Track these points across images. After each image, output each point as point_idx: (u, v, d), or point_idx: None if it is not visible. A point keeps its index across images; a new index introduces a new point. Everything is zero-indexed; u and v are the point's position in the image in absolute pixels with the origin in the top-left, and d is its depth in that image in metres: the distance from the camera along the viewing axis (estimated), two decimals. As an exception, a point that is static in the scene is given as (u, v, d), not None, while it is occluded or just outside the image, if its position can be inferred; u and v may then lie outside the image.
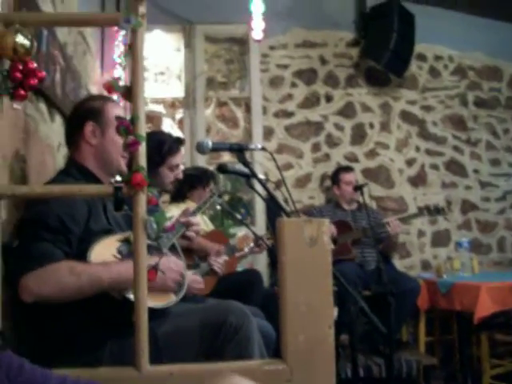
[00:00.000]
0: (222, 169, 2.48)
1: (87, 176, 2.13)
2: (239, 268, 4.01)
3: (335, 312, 2.16)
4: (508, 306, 4.00)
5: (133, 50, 1.51)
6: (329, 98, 5.60)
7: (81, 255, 1.85)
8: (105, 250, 1.90)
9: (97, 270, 1.82)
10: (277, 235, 1.55)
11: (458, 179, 5.76)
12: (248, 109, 5.44)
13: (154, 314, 1.63)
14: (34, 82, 1.63)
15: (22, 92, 1.61)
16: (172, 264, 2.04)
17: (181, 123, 5.40)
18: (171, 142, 3.12)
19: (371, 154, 5.63)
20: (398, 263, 5.33)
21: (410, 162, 5.69)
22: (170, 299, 2.05)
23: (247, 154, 2.39)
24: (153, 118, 5.35)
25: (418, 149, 5.72)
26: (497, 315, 4.00)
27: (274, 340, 2.40)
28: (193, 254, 3.38)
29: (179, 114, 5.45)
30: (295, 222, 1.58)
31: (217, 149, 2.48)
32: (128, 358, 1.51)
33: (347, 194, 4.90)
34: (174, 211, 3.57)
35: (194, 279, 3.16)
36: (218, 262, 3.44)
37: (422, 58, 5.81)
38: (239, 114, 5.52)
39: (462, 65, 5.91)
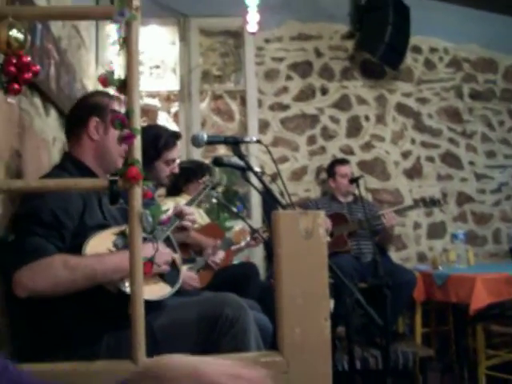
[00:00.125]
0: (218, 162, 2.47)
1: (83, 171, 2.12)
2: (235, 261, 4.01)
3: (331, 304, 2.16)
4: (503, 297, 4.02)
5: (127, 44, 1.51)
6: (324, 91, 5.60)
7: (75, 249, 1.85)
8: (100, 243, 1.90)
9: (91, 263, 1.82)
10: (272, 228, 1.56)
11: (453, 171, 5.77)
12: (243, 102, 5.44)
13: (150, 306, 1.64)
14: (28, 76, 1.62)
15: (16, 86, 1.60)
16: (160, 248, 2.03)
17: (176, 116, 5.40)
18: (167, 136, 3.11)
19: (367, 146, 5.63)
20: (394, 255, 5.35)
21: (405, 155, 5.70)
22: (166, 291, 2.06)
23: (243, 147, 2.39)
24: (148, 111, 5.35)
25: (413, 141, 5.72)
26: (492, 306, 4.02)
27: (271, 333, 2.41)
28: (189, 249, 3.38)
29: (174, 108, 5.45)
30: (290, 214, 1.58)
31: (212, 142, 2.47)
32: (125, 352, 1.51)
33: (343, 186, 4.91)
34: (169, 205, 3.57)
35: (189, 276, 3.17)
36: (215, 261, 3.45)
37: (417, 50, 5.81)
38: (234, 107, 5.52)
39: (457, 57, 5.91)
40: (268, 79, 5.50)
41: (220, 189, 3.69)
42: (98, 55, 4.01)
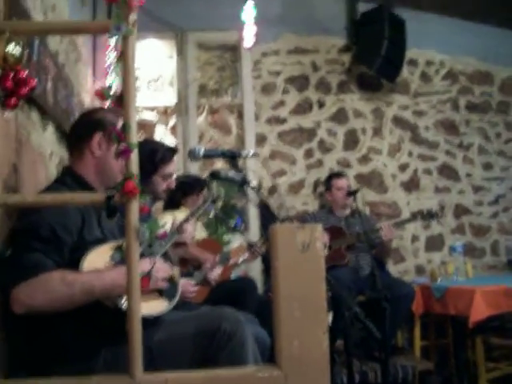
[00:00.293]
0: (215, 176, 2.47)
1: (82, 186, 2.11)
2: (233, 275, 4.01)
3: (330, 318, 2.15)
4: (502, 310, 4.01)
5: (124, 58, 1.51)
6: (321, 104, 5.62)
7: (74, 264, 1.84)
8: (98, 258, 1.90)
9: (89, 279, 1.81)
10: (269, 241, 1.55)
11: (450, 183, 5.78)
12: (240, 115, 5.45)
13: (147, 322, 1.63)
14: (25, 90, 1.62)
15: (13, 101, 1.60)
16: (158, 264, 2.03)
17: (173, 130, 5.40)
18: (164, 150, 3.11)
19: (364, 159, 5.64)
20: (393, 268, 5.34)
21: (402, 167, 5.71)
22: (164, 307, 2.05)
23: (240, 161, 2.40)
24: (145, 125, 5.35)
25: (410, 154, 5.73)
26: (491, 319, 4.01)
27: (269, 346, 2.40)
28: (187, 264, 3.38)
29: (172, 122, 5.45)
30: (288, 228, 1.58)
31: (209, 155, 2.48)
32: (122, 367, 1.50)
33: (339, 199, 4.90)
34: (167, 218, 3.57)
35: (186, 283, 3.17)
36: (213, 276, 3.45)
37: (413, 63, 5.84)
38: (232, 120, 5.53)
39: (453, 70, 5.94)
40: (265, 93, 5.52)
41: (219, 203, 3.70)
42: (95, 69, 4.02)
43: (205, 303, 3.21)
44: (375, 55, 5.22)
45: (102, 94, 1.56)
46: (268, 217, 2.38)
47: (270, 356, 2.21)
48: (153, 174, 3.02)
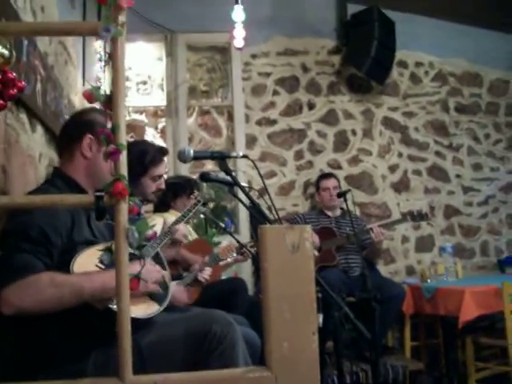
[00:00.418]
0: (205, 177, 2.47)
1: (72, 187, 2.11)
2: (224, 276, 4.00)
3: (320, 319, 2.15)
4: (492, 310, 4.03)
5: (113, 59, 1.51)
6: (311, 106, 5.63)
7: (63, 266, 1.83)
8: (87, 260, 1.89)
9: (78, 280, 1.80)
10: (259, 242, 1.55)
11: (440, 184, 5.80)
12: (230, 117, 5.45)
13: (137, 324, 1.62)
14: (13, 92, 1.61)
15: (2, 102, 1.60)
16: (149, 266, 2.02)
17: (163, 132, 5.39)
18: (154, 152, 3.10)
19: (354, 160, 5.65)
20: (383, 269, 5.35)
21: (392, 168, 5.72)
22: (154, 309, 2.05)
23: (230, 163, 2.40)
24: (135, 127, 5.34)
25: (400, 155, 5.75)
26: (481, 319, 4.03)
27: (259, 348, 2.40)
28: (177, 266, 3.37)
29: (161, 123, 5.45)
30: (277, 228, 1.58)
31: (198, 157, 2.48)
32: (112, 369, 1.50)
33: (326, 200, 4.92)
34: (157, 220, 3.57)
35: (180, 291, 3.16)
36: (204, 277, 3.44)
37: (403, 64, 5.86)
38: (222, 122, 5.53)
39: (442, 71, 5.97)
40: (255, 94, 5.52)
41: (209, 204, 3.68)
42: (84, 71, 4.01)
43: (195, 304, 3.20)
44: (365, 57, 5.24)
45: (91, 95, 1.55)
46: (258, 218, 2.37)
47: (260, 358, 2.21)
48: (142, 175, 3.01)
